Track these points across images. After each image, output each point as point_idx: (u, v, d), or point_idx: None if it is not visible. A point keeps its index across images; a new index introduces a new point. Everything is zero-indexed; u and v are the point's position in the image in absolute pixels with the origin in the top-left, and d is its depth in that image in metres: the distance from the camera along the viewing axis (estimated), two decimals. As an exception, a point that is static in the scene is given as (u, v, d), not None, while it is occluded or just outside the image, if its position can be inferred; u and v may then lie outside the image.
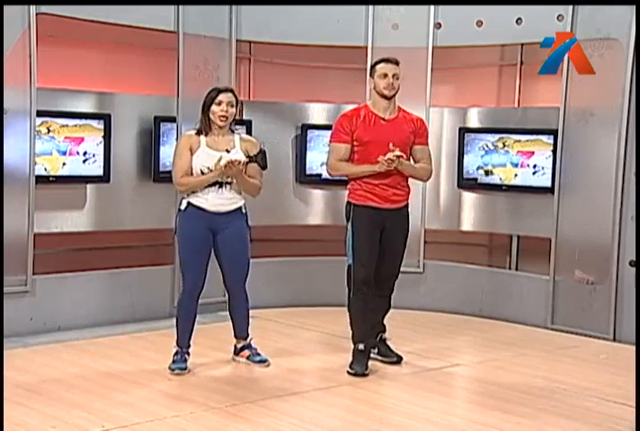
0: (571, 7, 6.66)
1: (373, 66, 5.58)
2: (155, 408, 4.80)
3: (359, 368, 5.51)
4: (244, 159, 5.38)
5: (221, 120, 5.41)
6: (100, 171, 6.77)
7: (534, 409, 4.95)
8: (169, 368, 5.48)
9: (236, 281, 5.64)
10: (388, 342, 5.79)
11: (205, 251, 5.50)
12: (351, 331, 5.63)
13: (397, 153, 5.36)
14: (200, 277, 5.54)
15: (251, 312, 5.80)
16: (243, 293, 5.68)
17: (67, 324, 6.57)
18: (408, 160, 5.56)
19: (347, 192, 5.64)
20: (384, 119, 5.53)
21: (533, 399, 5.16)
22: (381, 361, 5.74)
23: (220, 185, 5.44)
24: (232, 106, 5.43)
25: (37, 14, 6.15)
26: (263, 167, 5.54)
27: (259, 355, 5.73)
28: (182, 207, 5.53)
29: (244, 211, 5.57)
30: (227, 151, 5.43)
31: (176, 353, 5.55)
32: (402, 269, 5.76)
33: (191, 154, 5.41)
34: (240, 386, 5.28)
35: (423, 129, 5.68)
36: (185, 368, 5.49)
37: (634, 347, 6.34)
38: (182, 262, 5.59)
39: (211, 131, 5.46)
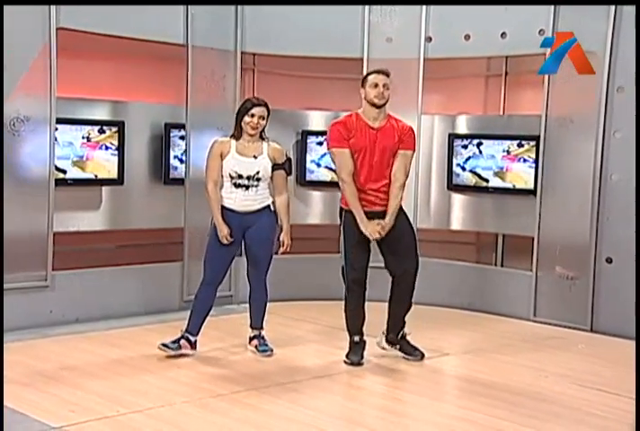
0: (552, 23, 6.69)
1: (365, 77, 5.53)
2: (166, 394, 4.83)
3: (355, 358, 5.54)
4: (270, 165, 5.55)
5: (252, 130, 5.53)
6: (114, 175, 6.82)
7: (519, 396, 4.98)
8: (161, 344, 5.52)
9: (256, 274, 5.69)
10: (408, 337, 5.68)
11: (232, 250, 5.58)
12: (346, 325, 5.65)
13: (381, 225, 5.38)
14: (221, 273, 5.62)
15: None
16: (262, 286, 5.72)
17: (84, 316, 6.60)
18: (391, 165, 5.45)
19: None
20: (373, 128, 5.45)
21: (518, 386, 5.19)
22: (404, 358, 5.67)
23: (247, 188, 5.51)
24: (263, 119, 5.55)
25: (57, 29, 6.19)
26: (289, 173, 5.70)
27: (264, 345, 5.77)
28: None
29: (272, 209, 5.63)
30: (255, 157, 5.53)
31: (179, 339, 5.56)
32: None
33: (222, 159, 5.51)
34: (245, 374, 5.31)
35: (408, 136, 5.49)
36: (173, 350, 5.50)
37: (609, 338, 6.42)
38: (207, 256, 5.63)
39: (242, 137, 5.57)
